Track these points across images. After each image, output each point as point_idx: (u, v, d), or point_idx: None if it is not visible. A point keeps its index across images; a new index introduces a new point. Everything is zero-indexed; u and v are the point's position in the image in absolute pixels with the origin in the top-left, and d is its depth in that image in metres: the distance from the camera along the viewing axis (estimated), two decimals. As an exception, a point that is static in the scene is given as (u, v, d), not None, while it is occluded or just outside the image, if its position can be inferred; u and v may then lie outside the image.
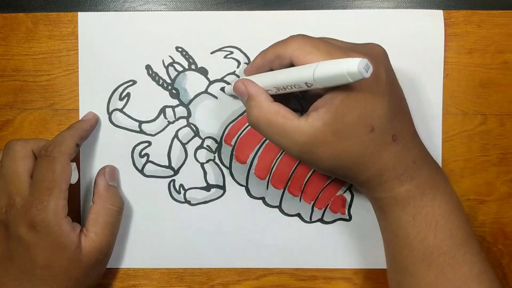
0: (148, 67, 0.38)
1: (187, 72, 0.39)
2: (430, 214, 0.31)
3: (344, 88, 0.29)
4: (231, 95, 0.38)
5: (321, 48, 0.29)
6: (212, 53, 0.38)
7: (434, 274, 0.31)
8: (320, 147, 0.30)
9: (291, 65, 0.31)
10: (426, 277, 0.31)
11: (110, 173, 0.38)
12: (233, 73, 0.38)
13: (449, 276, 0.31)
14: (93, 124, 0.38)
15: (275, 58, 0.31)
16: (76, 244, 0.33)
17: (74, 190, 0.38)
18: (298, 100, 0.37)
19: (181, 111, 0.39)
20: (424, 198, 0.31)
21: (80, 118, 0.38)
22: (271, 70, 0.33)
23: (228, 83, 0.38)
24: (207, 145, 0.39)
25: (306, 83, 0.28)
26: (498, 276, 0.38)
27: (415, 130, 0.33)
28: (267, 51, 0.32)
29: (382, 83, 0.30)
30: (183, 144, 0.39)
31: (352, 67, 0.26)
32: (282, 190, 0.39)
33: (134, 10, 0.39)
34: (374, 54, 0.31)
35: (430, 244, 0.31)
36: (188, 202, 0.39)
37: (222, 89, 0.38)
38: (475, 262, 0.31)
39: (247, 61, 0.38)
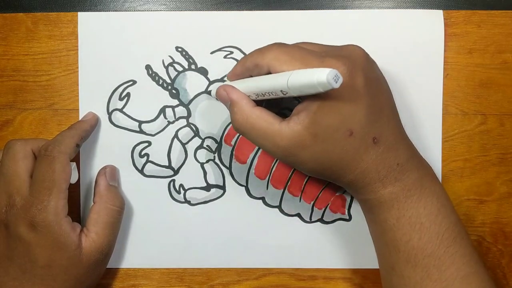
0: (148, 67, 0.38)
1: (187, 72, 0.39)
2: (414, 216, 0.31)
3: (321, 93, 0.29)
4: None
5: (296, 57, 0.30)
6: (212, 53, 0.38)
7: (420, 276, 0.31)
8: (301, 150, 0.30)
9: (269, 73, 0.31)
10: (412, 278, 0.31)
11: (111, 173, 0.38)
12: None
13: (434, 277, 0.31)
14: (93, 124, 0.38)
15: (254, 67, 0.32)
16: (76, 244, 0.33)
17: (74, 190, 0.38)
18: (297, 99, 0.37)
19: (181, 111, 0.39)
20: (409, 199, 0.31)
21: (80, 118, 0.38)
22: (251, 76, 0.33)
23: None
24: (207, 145, 0.39)
25: (281, 91, 0.29)
26: (498, 276, 0.39)
27: (401, 131, 0.33)
28: (246, 59, 0.32)
29: (360, 87, 0.30)
30: (183, 144, 0.39)
31: (321, 78, 0.26)
32: (282, 190, 0.39)
33: (134, 10, 0.39)
34: (352, 57, 0.30)
35: (415, 245, 0.31)
36: (188, 202, 0.39)
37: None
38: (463, 263, 0.31)
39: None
